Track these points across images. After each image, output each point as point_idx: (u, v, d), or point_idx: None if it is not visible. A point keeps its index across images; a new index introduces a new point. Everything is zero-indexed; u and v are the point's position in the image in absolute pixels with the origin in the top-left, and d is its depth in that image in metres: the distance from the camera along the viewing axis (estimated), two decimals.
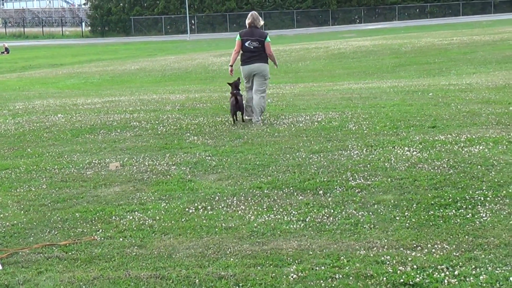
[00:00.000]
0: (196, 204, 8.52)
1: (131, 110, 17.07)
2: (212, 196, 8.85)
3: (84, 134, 13.94)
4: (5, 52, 59.83)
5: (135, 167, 10.71)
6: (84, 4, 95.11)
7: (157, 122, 14.73)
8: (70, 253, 7.09)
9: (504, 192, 8.20)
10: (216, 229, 7.57)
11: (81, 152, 12.17)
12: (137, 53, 54.25)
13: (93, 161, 11.35)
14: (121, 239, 7.41)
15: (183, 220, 7.96)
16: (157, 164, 10.84)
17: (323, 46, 42.75)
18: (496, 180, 8.69)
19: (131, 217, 8.15)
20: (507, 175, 8.87)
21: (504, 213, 7.51)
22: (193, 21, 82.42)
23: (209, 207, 8.39)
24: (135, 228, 7.76)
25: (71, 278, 6.39)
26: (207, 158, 11.03)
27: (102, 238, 7.50)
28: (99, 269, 6.61)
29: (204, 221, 7.88)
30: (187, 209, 8.35)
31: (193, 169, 10.36)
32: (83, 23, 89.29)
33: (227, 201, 8.61)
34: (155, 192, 9.23)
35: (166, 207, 8.49)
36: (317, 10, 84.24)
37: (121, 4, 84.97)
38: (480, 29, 52.00)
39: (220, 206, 8.41)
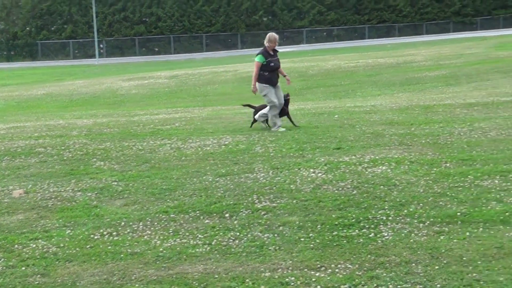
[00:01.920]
0: (101, 230, 8.44)
1: (36, 136, 16.80)
2: (118, 221, 8.79)
3: None
4: None
5: (39, 194, 10.54)
6: None
7: (63, 147, 14.53)
8: None
9: (405, 211, 8.40)
10: (122, 255, 7.52)
11: None
12: (44, 78, 53.44)
13: None
14: (23, 268, 7.29)
15: (88, 246, 7.88)
16: (62, 190, 10.70)
17: (232, 70, 42.98)
18: (398, 200, 8.89)
19: (34, 245, 8.03)
20: (408, 195, 9.08)
21: (405, 231, 7.68)
22: (101, 45, 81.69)
23: (114, 233, 8.32)
24: (38, 256, 7.64)
25: None
26: (113, 183, 10.94)
27: (4, 268, 7.36)
28: None
29: (110, 247, 7.82)
30: (92, 236, 8.27)
31: (99, 195, 10.26)
32: None
33: (133, 226, 8.56)
34: (60, 219, 9.10)
35: (71, 234, 8.39)
36: (226, 33, 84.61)
37: (27, 28, 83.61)
38: (384, 52, 53.11)
39: (126, 232, 8.35)
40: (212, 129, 16.20)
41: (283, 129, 15.19)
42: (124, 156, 13.26)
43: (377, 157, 11.54)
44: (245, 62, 52.23)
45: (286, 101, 15.63)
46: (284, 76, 15.71)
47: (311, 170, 10.90)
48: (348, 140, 13.43)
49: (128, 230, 8.41)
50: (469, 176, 9.86)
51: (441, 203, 8.68)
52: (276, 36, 15.67)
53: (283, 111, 15.62)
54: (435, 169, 10.48)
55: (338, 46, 76.21)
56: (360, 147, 12.62)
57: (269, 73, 15.35)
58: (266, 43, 15.51)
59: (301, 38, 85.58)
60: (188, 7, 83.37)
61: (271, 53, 15.49)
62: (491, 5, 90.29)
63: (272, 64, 15.35)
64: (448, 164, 10.75)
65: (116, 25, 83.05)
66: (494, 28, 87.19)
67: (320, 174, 10.56)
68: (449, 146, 12.28)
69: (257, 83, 15.47)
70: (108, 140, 15.32)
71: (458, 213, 8.17)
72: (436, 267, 6.57)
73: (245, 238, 7.84)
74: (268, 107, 15.53)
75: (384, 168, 10.71)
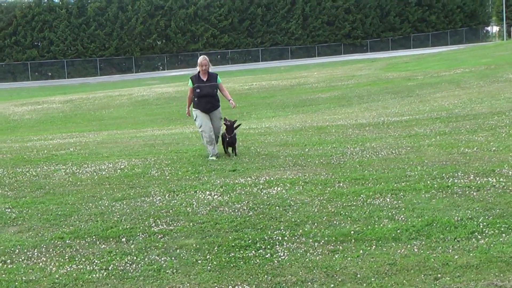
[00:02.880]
0: None
1: None
2: (12, 249, 8.63)
3: None
4: None
5: None
6: None
7: None
8: None
9: (300, 231, 8.54)
10: (16, 283, 7.39)
11: None
12: None
13: None
14: None
15: None
16: None
17: (127, 94, 42.76)
18: (293, 220, 9.03)
19: None
20: (303, 215, 9.24)
21: (301, 251, 7.81)
22: None
23: (8, 261, 8.17)
24: None
25: None
26: (6, 210, 10.74)
27: None
28: None
29: (4, 275, 7.68)
30: None
31: None
32: None
33: (28, 253, 8.43)
34: None
35: None
36: (120, 57, 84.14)
37: None
38: (278, 74, 53.83)
39: (21, 259, 8.22)
40: (107, 153, 16.10)
41: (213, 158, 14.26)
42: (18, 182, 13.04)
43: (272, 178, 11.70)
44: (140, 86, 52.09)
45: (229, 128, 14.49)
46: (229, 100, 14.94)
47: (207, 192, 10.97)
48: (244, 161, 13.57)
49: (23, 258, 8.27)
50: (361, 195, 10.11)
51: (335, 222, 8.86)
52: (204, 59, 14.76)
53: (229, 141, 14.55)
54: (328, 188, 10.69)
55: (232, 68, 76.75)
56: (256, 169, 12.77)
57: (198, 98, 14.58)
58: (197, 67, 14.83)
59: (195, 61, 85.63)
60: (81, 31, 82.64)
61: (203, 78, 14.67)
62: (380, 28, 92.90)
63: (198, 90, 14.55)
64: (341, 184, 10.98)
65: (7, 50, 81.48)
66: (383, 50, 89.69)
67: (216, 196, 10.64)
68: (342, 166, 12.56)
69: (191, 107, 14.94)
70: (1, 166, 15.04)
71: (352, 232, 8.36)
72: (332, 286, 6.70)
73: (142, 262, 7.82)
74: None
75: (279, 189, 10.86)
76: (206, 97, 14.58)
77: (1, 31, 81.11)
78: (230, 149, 14.68)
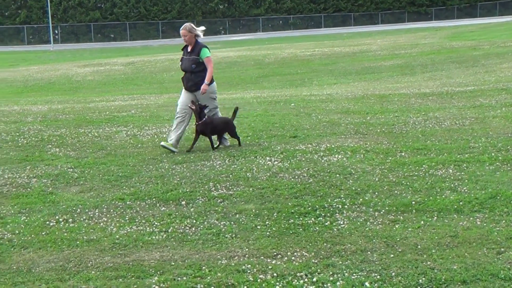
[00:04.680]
0: (57, 217, 8.40)
1: None
2: (74, 208, 8.74)
3: None
4: None
5: None
6: None
7: (17, 134, 14.40)
8: None
9: (360, 199, 8.47)
10: (78, 242, 7.49)
11: None
12: None
13: None
14: None
15: (43, 233, 7.83)
16: (17, 176, 10.60)
17: None
18: (353, 188, 8.96)
19: None
20: (364, 183, 9.16)
21: (361, 220, 7.75)
22: (56, 31, 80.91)
23: (70, 220, 8.28)
24: None
25: None
26: (69, 170, 10.88)
27: None
28: None
29: (65, 234, 7.78)
30: (47, 222, 8.22)
31: (55, 182, 10.20)
32: None
33: (89, 213, 8.52)
34: (15, 205, 9.03)
35: (26, 220, 8.33)
36: (182, 21, 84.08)
37: None
38: (340, 41, 53.40)
39: (82, 219, 8.32)
40: (168, 117, 16.16)
41: (163, 144, 12.06)
42: (80, 142, 13.19)
43: (333, 146, 11.61)
44: None
45: (196, 114, 12.07)
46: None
47: (267, 158, 10.94)
48: (304, 128, 13.50)
49: (84, 217, 8.37)
50: (423, 166, 9.98)
51: (396, 192, 8.77)
52: (183, 28, 12.38)
53: (197, 128, 12.14)
54: (390, 158, 10.58)
55: (294, 34, 76.35)
56: (316, 136, 12.69)
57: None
58: None
59: (257, 26, 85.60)
60: None
61: (188, 49, 12.42)
62: None
63: (180, 63, 12.65)
64: (403, 153, 10.86)
65: (71, 11, 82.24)
66: (448, 18, 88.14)
67: (276, 162, 10.61)
68: (404, 135, 12.41)
69: None
70: (64, 126, 15.22)
71: (413, 202, 8.26)
72: (391, 256, 6.64)
73: (202, 226, 7.84)
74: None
75: (339, 156, 10.78)
76: (186, 73, 12.32)
77: None
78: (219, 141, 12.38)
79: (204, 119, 11.99)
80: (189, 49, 12.37)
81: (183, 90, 12.50)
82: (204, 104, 12.09)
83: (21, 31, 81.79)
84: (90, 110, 18.43)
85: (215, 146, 12.17)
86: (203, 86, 12.00)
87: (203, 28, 12.60)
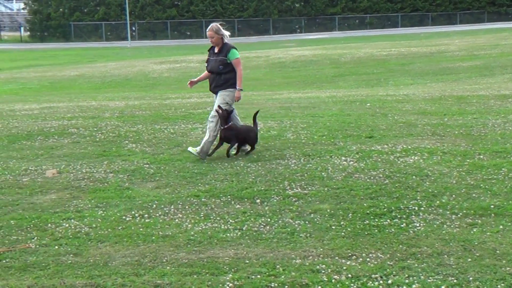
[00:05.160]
0: (133, 212, 8.49)
1: (69, 116, 16.91)
2: (150, 204, 8.83)
3: (21, 140, 13.76)
4: None
5: (72, 174, 10.62)
6: (23, 9, 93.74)
7: (95, 129, 14.62)
8: (4, 261, 7.01)
9: (437, 202, 8.35)
10: (153, 237, 7.56)
11: (17, 159, 12.01)
12: (77, 59, 53.72)
13: (30, 167, 11.21)
14: (56, 247, 7.35)
15: (119, 228, 7.93)
16: (95, 171, 10.77)
17: (264, 55, 42.93)
18: (430, 190, 8.84)
19: (67, 225, 8.09)
20: (440, 185, 9.03)
21: (437, 222, 7.64)
22: (133, 28, 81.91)
23: (146, 215, 8.37)
24: (71, 236, 7.70)
25: (5, 287, 6.32)
26: (145, 166, 11.00)
27: (37, 246, 7.43)
28: (33, 277, 6.55)
29: (141, 229, 7.86)
30: (124, 217, 8.32)
31: (131, 177, 10.32)
32: (22, 28, 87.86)
33: (165, 209, 8.60)
34: (92, 199, 9.16)
35: (103, 214, 8.45)
36: (258, 19, 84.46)
37: (60, 10, 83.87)
38: (417, 41, 52.77)
39: (157, 214, 8.39)
40: (244, 114, 16.11)
41: (190, 149, 11.53)
42: (156, 139, 13.31)
43: (409, 147, 11.48)
44: (277, 48, 52.18)
45: (222, 119, 11.46)
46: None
47: (343, 158, 10.87)
48: (380, 129, 13.37)
49: (160, 213, 8.45)
50: (503, 169, 9.78)
51: (474, 195, 8.62)
52: (210, 29, 11.77)
53: (221, 135, 11.59)
54: (468, 160, 10.40)
55: (370, 34, 75.81)
56: (393, 136, 12.56)
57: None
58: None
59: (333, 25, 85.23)
60: None
61: (215, 50, 11.88)
62: None
63: (206, 64, 12.11)
64: (481, 156, 10.67)
65: (149, 8, 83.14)
66: None
67: (351, 162, 10.54)
68: (482, 137, 12.19)
69: None
70: (140, 122, 15.38)
71: (492, 206, 8.11)
72: (469, 260, 6.53)
73: (276, 224, 7.84)
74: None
75: (416, 158, 10.65)
76: (212, 75, 11.81)
77: None
78: (233, 148, 11.82)
79: (229, 124, 11.49)
80: (216, 50, 11.80)
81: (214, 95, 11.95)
82: (231, 109, 11.69)
83: (99, 28, 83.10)
84: (166, 106, 18.59)
85: (232, 154, 11.69)
86: (236, 94, 11.50)
87: (228, 33, 12.00)
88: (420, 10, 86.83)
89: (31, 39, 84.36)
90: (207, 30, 11.81)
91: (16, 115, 17.82)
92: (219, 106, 11.43)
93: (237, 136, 11.56)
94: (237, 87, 11.50)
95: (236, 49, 11.76)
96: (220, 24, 11.80)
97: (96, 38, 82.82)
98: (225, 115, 11.42)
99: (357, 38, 67.43)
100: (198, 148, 11.47)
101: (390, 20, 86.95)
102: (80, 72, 39.03)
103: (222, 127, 11.44)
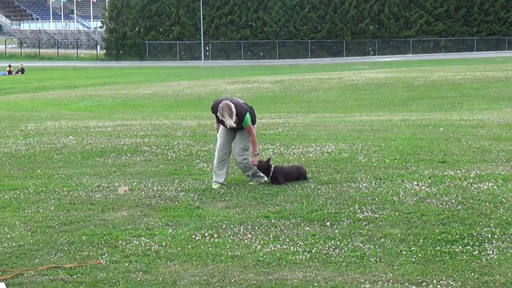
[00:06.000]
0: (202, 231, 8.53)
1: (142, 134, 17.11)
2: (219, 223, 8.85)
3: (94, 157, 13.97)
4: (19, 72, 60.10)
5: (143, 192, 10.72)
6: (100, 27, 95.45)
7: (167, 147, 14.75)
8: (75, 276, 7.10)
9: (511, 230, 8.18)
10: (222, 257, 7.57)
11: (91, 175, 12.20)
12: (151, 78, 54.47)
13: (102, 184, 11.37)
14: (126, 264, 7.42)
15: (189, 247, 7.96)
16: (166, 189, 10.85)
17: (336, 77, 42.84)
18: (504, 218, 8.67)
19: (137, 242, 8.17)
20: None
21: (511, 251, 7.48)
22: (207, 48, 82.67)
23: (215, 235, 8.39)
24: (141, 253, 7.77)
25: None
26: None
27: (108, 262, 7.51)
28: None
29: (210, 248, 7.89)
30: (193, 236, 8.36)
31: (201, 196, 10.38)
32: (98, 46, 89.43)
33: (234, 229, 8.61)
34: (163, 217, 9.23)
35: (173, 233, 8.50)
36: (332, 40, 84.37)
37: (136, 29, 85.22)
38: (493, 65, 52.03)
39: (227, 234, 8.41)
40: (315, 136, 16.16)
41: (215, 187, 10.99)
42: None
43: (483, 173, 11.28)
44: (350, 70, 52.06)
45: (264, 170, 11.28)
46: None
47: (415, 182, 10.74)
48: (454, 154, 13.19)
49: (229, 233, 8.46)
50: None
51: None
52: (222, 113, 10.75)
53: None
54: None
55: (445, 57, 75.10)
56: (466, 162, 12.37)
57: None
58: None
59: (407, 48, 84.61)
60: (294, 13, 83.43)
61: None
62: None
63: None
64: None
65: (223, 28, 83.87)
66: None
67: (423, 187, 10.40)
68: None
69: None
70: (212, 142, 15.42)
71: None
72: None
73: (346, 248, 7.78)
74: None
75: (490, 184, 10.46)
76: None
77: (218, 10, 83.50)
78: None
79: (272, 168, 11.15)
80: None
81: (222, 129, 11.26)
82: (268, 157, 11.62)
83: (174, 47, 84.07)
84: None
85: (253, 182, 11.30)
86: (253, 158, 11.00)
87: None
88: (497, 34, 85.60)
89: (107, 57, 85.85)
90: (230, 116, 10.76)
91: (90, 131, 18.11)
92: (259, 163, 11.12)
93: (286, 175, 11.22)
94: (253, 152, 11.09)
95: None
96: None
97: (170, 57, 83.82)
98: (265, 166, 11.15)
99: (431, 61, 66.87)
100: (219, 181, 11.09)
101: (466, 43, 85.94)
102: (153, 90, 39.51)
103: (269, 178, 11.18)
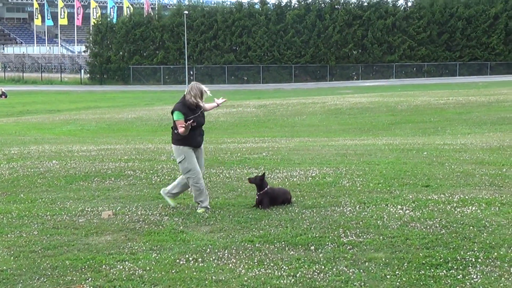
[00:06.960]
0: (187, 256, 8.51)
1: (126, 158, 17.09)
2: (204, 248, 8.84)
3: (78, 181, 13.94)
4: (2, 97, 59.92)
5: (127, 216, 10.69)
6: (84, 51, 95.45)
7: (151, 171, 14.74)
8: None
9: (495, 254, 8.20)
10: (206, 282, 7.55)
11: (74, 199, 12.16)
12: (135, 102, 54.44)
13: (86, 208, 11.33)
14: None
15: (173, 271, 7.94)
16: (150, 214, 10.83)
17: (320, 102, 42.96)
18: (487, 242, 8.69)
19: (121, 267, 8.13)
20: (498, 237, 8.88)
21: (495, 275, 7.51)
22: (191, 72, 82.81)
23: (200, 259, 8.37)
24: (124, 278, 7.73)
25: None
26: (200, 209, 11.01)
27: (91, 287, 7.47)
28: None
29: (195, 273, 7.86)
30: (178, 261, 8.33)
31: (186, 220, 10.36)
32: (82, 70, 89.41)
33: (218, 253, 8.59)
34: (147, 242, 9.21)
35: (157, 257, 8.48)
36: (315, 65, 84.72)
37: (120, 53, 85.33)
38: (476, 89, 52.37)
39: (211, 259, 8.39)
40: (299, 160, 16.18)
41: (202, 211, 11.01)
42: (211, 183, 13.35)
43: (466, 197, 11.33)
44: (334, 94, 52.23)
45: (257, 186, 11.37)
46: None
47: (399, 206, 10.76)
48: (437, 178, 13.24)
49: (214, 257, 8.44)
50: None
51: None
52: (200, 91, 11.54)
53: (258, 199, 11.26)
54: None
55: (428, 82, 75.54)
56: (449, 186, 12.42)
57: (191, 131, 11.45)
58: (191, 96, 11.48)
59: (390, 73, 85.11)
60: (278, 38, 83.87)
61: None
62: None
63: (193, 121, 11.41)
64: None
65: (207, 53, 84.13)
66: None
67: (407, 211, 10.42)
68: None
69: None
70: None
71: None
72: None
73: (330, 272, 7.78)
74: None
75: (474, 208, 10.50)
76: (197, 129, 11.65)
77: (202, 34, 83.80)
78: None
79: (265, 189, 11.21)
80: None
81: (191, 152, 11.40)
82: (263, 173, 11.72)
83: (158, 71, 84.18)
84: (222, 151, 18.67)
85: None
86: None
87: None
88: (479, 59, 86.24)
89: (91, 82, 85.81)
90: (207, 90, 11.64)
91: (74, 156, 18.07)
92: (249, 179, 11.54)
93: (272, 200, 11.21)
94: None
95: None
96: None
97: (154, 81, 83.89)
98: (259, 182, 11.25)
99: (414, 86, 67.19)
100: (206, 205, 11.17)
101: (448, 68, 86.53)
102: (137, 114, 39.49)
103: (258, 193, 11.23)
